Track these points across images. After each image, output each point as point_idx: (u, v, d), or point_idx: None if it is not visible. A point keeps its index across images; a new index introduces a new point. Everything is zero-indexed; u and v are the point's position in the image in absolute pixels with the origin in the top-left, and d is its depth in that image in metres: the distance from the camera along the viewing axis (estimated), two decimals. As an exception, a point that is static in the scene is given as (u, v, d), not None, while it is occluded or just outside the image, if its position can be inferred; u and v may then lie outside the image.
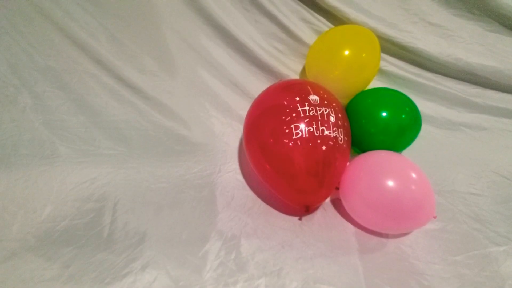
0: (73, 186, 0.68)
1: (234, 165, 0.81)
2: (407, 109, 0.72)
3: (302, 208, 0.65)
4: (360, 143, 0.73)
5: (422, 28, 0.85)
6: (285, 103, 0.62)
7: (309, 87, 0.65)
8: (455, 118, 0.91)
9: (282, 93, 0.66)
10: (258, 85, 0.87)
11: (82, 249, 0.57)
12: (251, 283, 0.53)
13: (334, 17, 0.82)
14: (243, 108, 0.87)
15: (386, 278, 0.55)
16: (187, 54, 0.81)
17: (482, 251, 0.60)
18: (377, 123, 0.71)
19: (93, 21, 0.72)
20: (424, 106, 0.86)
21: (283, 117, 0.60)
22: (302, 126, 0.59)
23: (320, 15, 0.84)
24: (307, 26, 0.84)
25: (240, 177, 0.78)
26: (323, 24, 0.84)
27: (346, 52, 0.72)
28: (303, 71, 0.88)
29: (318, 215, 0.70)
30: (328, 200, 0.74)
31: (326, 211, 0.71)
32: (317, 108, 0.61)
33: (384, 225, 0.62)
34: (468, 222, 0.67)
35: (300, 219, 0.68)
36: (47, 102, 0.71)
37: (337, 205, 0.72)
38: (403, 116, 0.72)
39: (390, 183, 0.58)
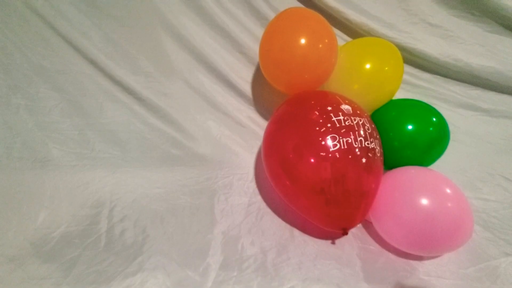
0: (66, 191, 0.66)
1: (232, 169, 0.78)
2: (434, 120, 0.69)
3: (340, 231, 0.59)
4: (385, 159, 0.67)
5: (422, 28, 0.84)
6: (317, 113, 0.57)
7: (338, 97, 0.61)
8: (456, 121, 0.89)
9: (310, 103, 0.61)
10: (257, 87, 0.85)
11: (80, 259, 0.55)
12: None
13: (334, 19, 0.82)
14: (241, 110, 0.85)
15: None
16: (184, 55, 0.79)
17: (492, 262, 0.58)
18: (403, 137, 0.67)
19: (87, 21, 0.71)
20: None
21: (317, 128, 0.56)
22: (339, 137, 0.54)
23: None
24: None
25: (238, 182, 0.76)
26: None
27: (368, 66, 0.69)
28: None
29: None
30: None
31: None
32: (352, 118, 0.57)
33: (419, 246, 0.57)
34: (477, 230, 0.65)
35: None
36: (41, 104, 0.70)
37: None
38: (431, 129, 0.68)
39: (427, 202, 0.54)
